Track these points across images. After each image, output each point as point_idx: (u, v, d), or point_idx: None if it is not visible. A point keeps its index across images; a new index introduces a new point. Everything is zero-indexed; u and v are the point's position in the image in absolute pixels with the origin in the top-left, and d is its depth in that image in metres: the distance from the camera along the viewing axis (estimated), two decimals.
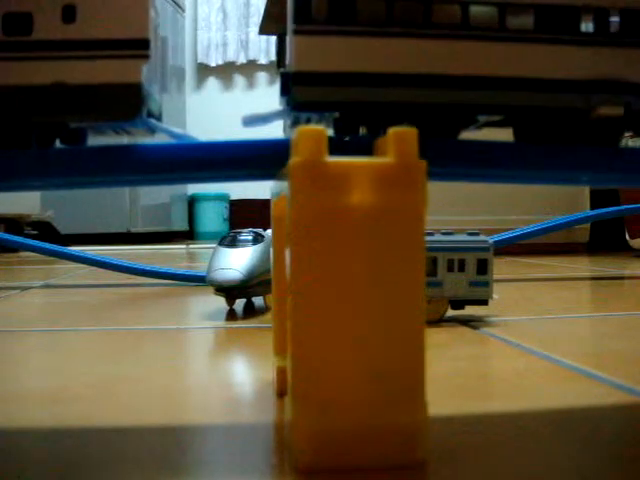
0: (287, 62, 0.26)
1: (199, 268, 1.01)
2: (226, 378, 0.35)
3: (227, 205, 3.20)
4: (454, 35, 0.25)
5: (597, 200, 1.45)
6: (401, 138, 0.21)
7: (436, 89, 0.25)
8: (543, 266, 1.04)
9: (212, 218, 3.15)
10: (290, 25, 0.25)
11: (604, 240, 1.54)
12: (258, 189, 3.05)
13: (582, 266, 1.06)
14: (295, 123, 0.28)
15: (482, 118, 0.27)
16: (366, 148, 0.24)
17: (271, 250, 0.30)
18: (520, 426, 0.26)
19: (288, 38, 0.25)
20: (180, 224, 2.95)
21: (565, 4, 0.26)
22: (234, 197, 3.21)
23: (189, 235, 3.11)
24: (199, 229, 3.14)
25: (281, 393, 0.30)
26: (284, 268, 0.23)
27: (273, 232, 0.30)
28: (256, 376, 0.35)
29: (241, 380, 0.35)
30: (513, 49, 0.26)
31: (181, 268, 0.89)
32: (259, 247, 0.56)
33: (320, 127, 0.21)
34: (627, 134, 0.29)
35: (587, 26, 0.26)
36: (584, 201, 1.44)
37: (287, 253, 0.22)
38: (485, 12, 0.25)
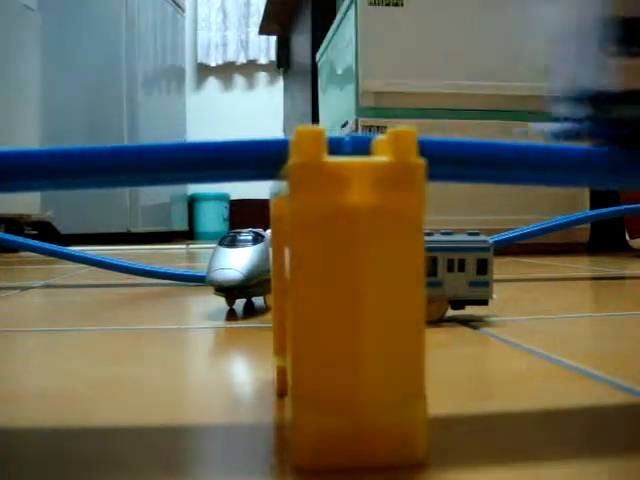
0: (587, 81, 0.28)
1: (199, 268, 1.01)
2: (226, 378, 0.35)
3: (227, 205, 3.20)
4: None
5: (597, 200, 1.45)
6: (400, 138, 0.21)
7: None
8: (543, 266, 1.04)
9: (212, 218, 3.15)
10: (609, 47, 0.26)
11: (604, 240, 1.54)
12: (258, 189, 3.05)
13: (582, 266, 1.06)
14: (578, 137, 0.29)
15: None
16: (365, 148, 0.24)
17: (270, 250, 0.30)
18: (520, 426, 0.26)
19: (602, 59, 0.27)
20: (180, 224, 2.95)
21: None
22: (234, 197, 3.22)
23: (189, 235, 3.12)
24: (199, 229, 3.14)
25: (281, 393, 0.30)
26: (283, 268, 0.23)
27: (272, 232, 0.30)
28: (256, 376, 0.35)
29: (241, 380, 0.35)
30: None
31: (181, 268, 0.89)
32: (259, 247, 0.56)
33: (319, 127, 0.21)
34: None
35: None
36: (584, 201, 1.44)
37: (286, 253, 0.22)
38: None
